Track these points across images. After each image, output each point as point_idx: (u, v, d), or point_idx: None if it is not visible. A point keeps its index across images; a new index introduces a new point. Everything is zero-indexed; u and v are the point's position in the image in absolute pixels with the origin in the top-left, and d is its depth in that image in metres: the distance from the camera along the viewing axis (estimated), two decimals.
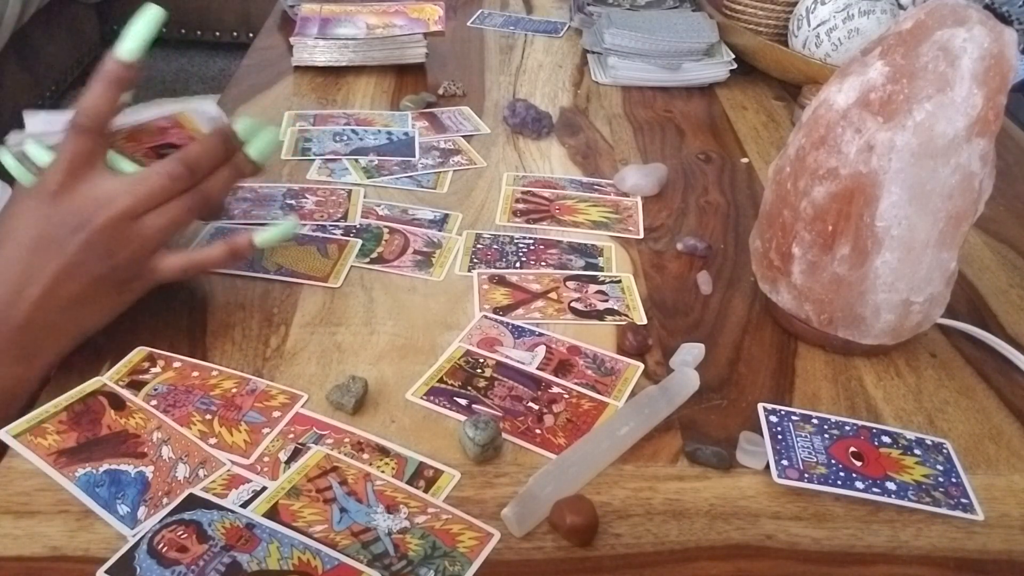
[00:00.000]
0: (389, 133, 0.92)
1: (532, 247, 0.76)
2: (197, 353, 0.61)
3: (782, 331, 0.68)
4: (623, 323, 0.67)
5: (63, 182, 0.56)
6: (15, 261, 0.56)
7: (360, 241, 0.74)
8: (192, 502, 0.50)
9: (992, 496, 0.55)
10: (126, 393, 0.57)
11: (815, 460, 0.55)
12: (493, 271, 0.72)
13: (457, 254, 0.74)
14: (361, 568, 0.47)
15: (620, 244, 0.77)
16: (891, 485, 0.54)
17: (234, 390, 0.58)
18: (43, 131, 0.60)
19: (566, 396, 0.60)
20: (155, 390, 0.58)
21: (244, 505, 0.50)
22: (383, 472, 0.53)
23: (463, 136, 0.94)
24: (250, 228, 0.74)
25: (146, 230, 0.57)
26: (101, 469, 0.52)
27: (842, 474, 0.55)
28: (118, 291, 0.59)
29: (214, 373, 0.60)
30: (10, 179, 0.59)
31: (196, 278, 0.68)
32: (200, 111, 0.65)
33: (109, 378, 0.58)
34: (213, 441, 0.54)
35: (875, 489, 0.54)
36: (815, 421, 0.59)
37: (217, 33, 2.84)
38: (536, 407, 0.59)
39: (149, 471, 0.52)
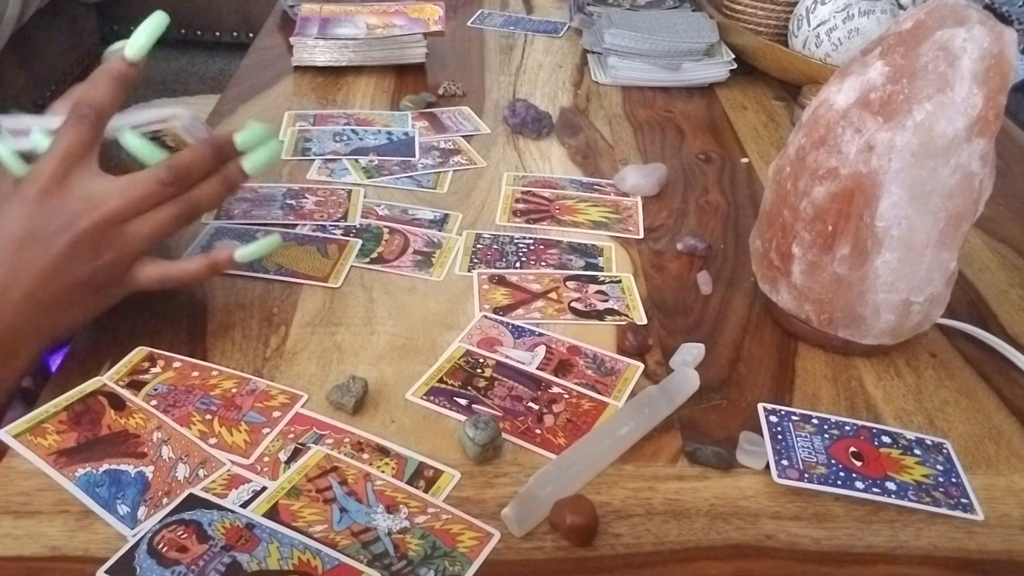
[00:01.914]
0: (389, 133, 0.92)
1: (532, 247, 0.76)
2: (197, 353, 0.61)
3: (782, 331, 0.68)
4: (623, 323, 0.67)
5: (55, 175, 0.55)
6: (0, 260, 0.54)
7: (360, 241, 0.74)
8: (192, 502, 0.50)
9: (992, 496, 0.55)
10: (126, 393, 0.57)
11: (815, 460, 0.55)
12: (493, 271, 0.72)
13: (457, 254, 0.74)
14: (361, 568, 0.47)
15: (620, 244, 0.77)
16: (891, 485, 0.54)
17: (234, 390, 0.58)
18: (14, 129, 0.59)
19: (566, 396, 0.60)
20: (155, 390, 0.58)
21: (244, 505, 0.50)
22: (383, 472, 0.53)
23: (463, 136, 0.94)
24: (249, 228, 0.74)
25: (131, 235, 0.57)
26: (101, 469, 0.52)
27: (842, 474, 0.55)
28: (95, 295, 0.58)
29: (214, 373, 0.59)
30: None
31: None
32: (187, 127, 0.63)
33: (109, 378, 0.58)
34: (213, 441, 0.54)
35: (875, 489, 0.54)
36: (815, 421, 0.59)
37: (217, 33, 2.84)
38: (536, 407, 0.59)
39: (149, 471, 0.52)
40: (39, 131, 0.58)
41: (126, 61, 0.57)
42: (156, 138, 0.62)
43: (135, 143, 0.59)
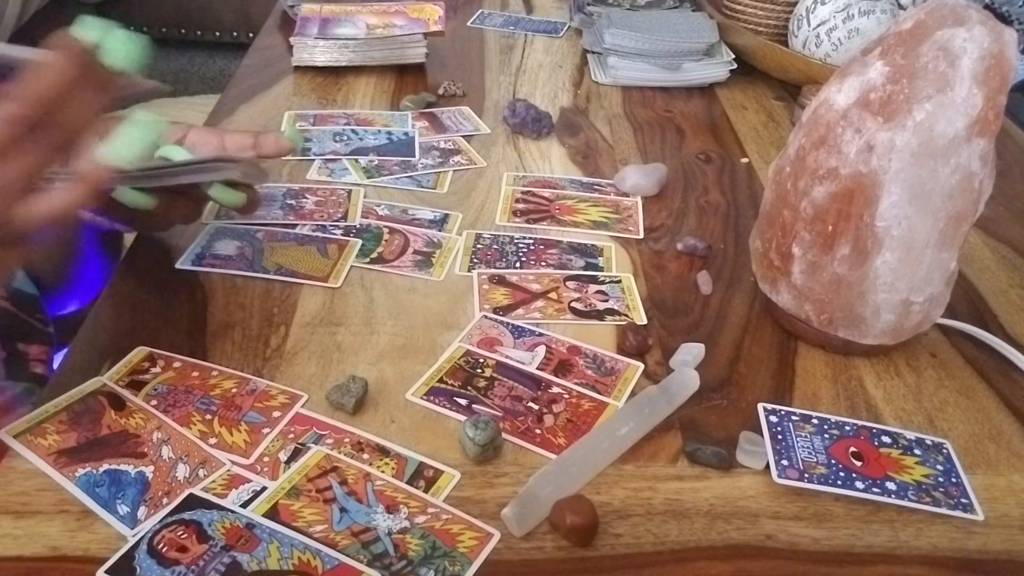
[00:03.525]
0: (389, 133, 0.92)
1: (532, 247, 0.76)
2: (197, 353, 0.61)
3: (782, 331, 0.68)
4: (623, 323, 0.67)
5: None
6: None
7: (360, 241, 0.74)
8: (192, 502, 0.50)
9: (992, 496, 0.55)
10: (126, 393, 0.57)
11: (815, 460, 0.55)
12: (493, 271, 0.72)
13: (457, 254, 0.74)
14: (361, 568, 0.47)
15: (620, 244, 0.77)
16: (891, 485, 0.54)
17: (234, 390, 0.58)
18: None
19: (566, 396, 0.60)
20: (155, 390, 0.58)
21: (244, 505, 0.50)
22: (383, 472, 0.53)
23: (463, 136, 0.94)
24: (249, 228, 0.74)
25: None
26: (101, 469, 0.52)
27: (842, 474, 0.55)
28: None
29: (214, 373, 0.59)
30: None
31: (196, 277, 0.68)
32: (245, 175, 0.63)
33: (109, 378, 0.58)
34: (213, 441, 0.54)
35: (875, 489, 0.54)
36: (815, 421, 0.59)
37: (217, 33, 2.83)
38: (536, 407, 0.59)
39: (149, 471, 0.52)
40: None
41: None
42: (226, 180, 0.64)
43: (224, 195, 0.61)
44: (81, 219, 0.53)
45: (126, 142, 0.52)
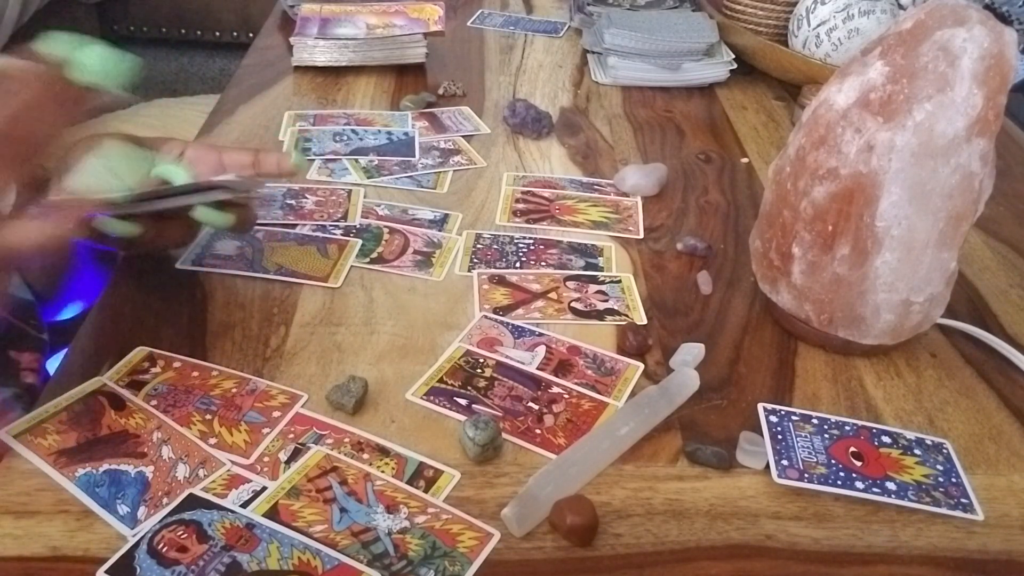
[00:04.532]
0: (389, 133, 0.92)
1: (532, 247, 0.76)
2: (197, 353, 0.61)
3: (782, 331, 0.68)
4: (623, 323, 0.67)
5: None
6: None
7: (360, 241, 0.74)
8: (192, 502, 0.50)
9: (992, 496, 0.55)
10: (126, 393, 0.57)
11: (815, 460, 0.55)
12: (493, 271, 0.72)
13: (457, 254, 0.74)
14: (361, 568, 0.47)
15: (620, 244, 0.77)
16: (891, 485, 0.54)
17: (234, 390, 0.58)
18: None
19: (566, 396, 0.60)
20: (155, 390, 0.58)
21: (244, 505, 0.50)
22: (383, 472, 0.53)
23: (463, 136, 0.94)
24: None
25: None
26: (101, 469, 0.52)
27: (842, 474, 0.55)
28: None
29: (214, 373, 0.59)
30: None
31: (196, 277, 0.68)
32: (239, 186, 0.62)
33: (109, 378, 0.58)
34: (213, 441, 0.54)
35: (875, 489, 0.54)
36: (815, 421, 0.59)
37: (217, 33, 2.83)
38: (536, 407, 0.59)
39: (149, 471, 0.52)
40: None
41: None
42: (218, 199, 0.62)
43: (210, 217, 0.59)
44: (67, 248, 0.52)
45: (93, 181, 0.52)
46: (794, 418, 0.59)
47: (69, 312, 0.91)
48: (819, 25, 1.03)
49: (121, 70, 0.50)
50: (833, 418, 0.59)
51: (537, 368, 0.62)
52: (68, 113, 0.50)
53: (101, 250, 0.85)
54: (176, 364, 0.60)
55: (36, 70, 0.48)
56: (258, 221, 0.75)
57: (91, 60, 0.49)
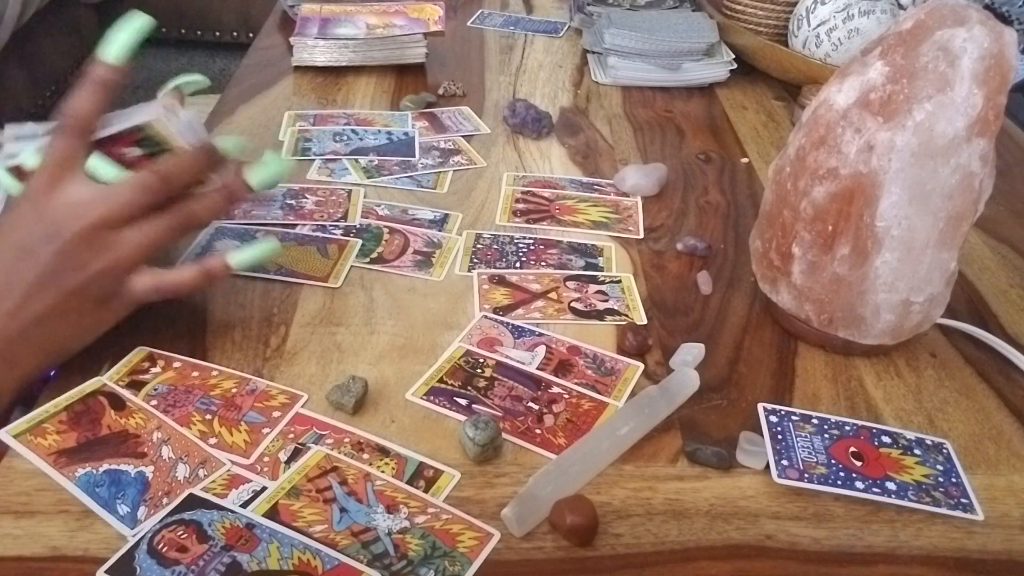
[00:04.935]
0: (389, 133, 0.92)
1: (532, 247, 0.76)
2: (197, 353, 0.61)
3: (782, 331, 0.68)
4: (623, 323, 0.67)
5: (43, 188, 0.55)
6: None
7: (360, 241, 0.74)
8: (192, 502, 0.50)
9: (992, 496, 0.55)
10: (126, 393, 0.57)
11: (815, 460, 0.55)
12: (493, 271, 0.72)
13: (457, 254, 0.74)
14: (361, 568, 0.47)
15: (620, 244, 0.77)
16: (891, 485, 0.54)
17: (234, 390, 0.58)
18: (18, 137, 0.59)
19: (566, 396, 0.60)
20: (155, 390, 0.58)
21: (244, 505, 0.50)
22: (383, 472, 0.53)
23: (463, 136, 0.94)
24: (249, 228, 0.74)
25: (121, 243, 0.55)
26: (101, 469, 0.52)
27: (842, 474, 0.55)
28: (95, 307, 0.57)
29: (214, 373, 0.59)
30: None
31: None
32: (182, 130, 0.61)
33: (109, 378, 0.58)
34: (213, 441, 0.54)
35: (875, 489, 0.54)
36: (815, 421, 0.59)
37: (217, 33, 2.84)
38: (536, 407, 0.59)
39: (149, 471, 0.52)
40: (30, 150, 0.58)
41: (106, 65, 0.56)
42: (143, 139, 0.60)
43: (96, 166, 0.57)
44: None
45: (271, 172, 0.61)
46: (794, 418, 0.59)
47: None
48: (819, 25, 1.03)
49: (283, 176, 0.62)
50: (833, 418, 0.59)
51: (537, 368, 0.62)
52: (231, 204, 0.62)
53: None
54: (176, 364, 0.60)
55: (209, 155, 0.60)
56: (259, 222, 0.75)
57: (267, 171, 0.61)
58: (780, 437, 0.57)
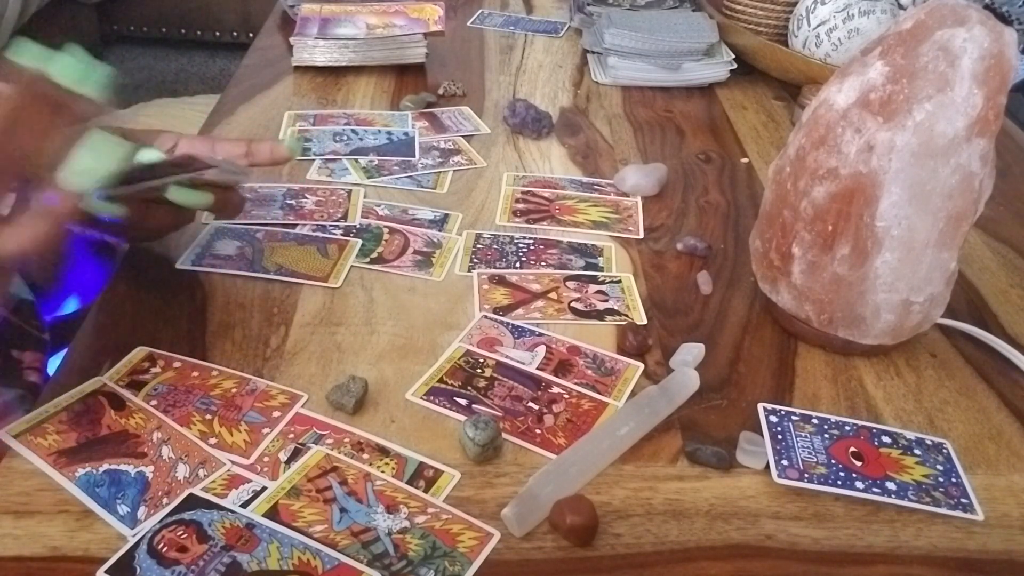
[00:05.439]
0: (389, 133, 0.92)
1: (532, 247, 0.76)
2: (197, 353, 0.61)
3: (782, 331, 0.68)
4: (623, 323, 0.67)
5: None
6: None
7: (360, 241, 0.74)
8: (192, 502, 0.50)
9: (992, 496, 0.55)
10: (126, 393, 0.57)
11: (815, 460, 0.55)
12: (493, 271, 0.72)
13: (457, 254, 0.74)
14: (361, 568, 0.47)
15: (620, 244, 0.77)
16: (891, 485, 0.54)
17: (234, 390, 0.58)
18: None
19: (566, 396, 0.60)
20: (155, 390, 0.58)
21: (244, 505, 0.50)
22: (383, 472, 0.53)
23: (463, 136, 0.94)
24: (249, 228, 0.74)
25: None
26: (101, 469, 0.52)
27: (842, 474, 0.55)
28: None
29: (214, 373, 0.59)
30: None
31: (196, 277, 0.68)
32: (221, 174, 0.60)
33: (109, 378, 0.58)
34: (213, 441, 0.54)
35: (875, 489, 0.54)
36: (815, 421, 0.59)
37: (217, 33, 2.84)
38: (536, 407, 0.59)
39: (149, 471, 0.52)
40: None
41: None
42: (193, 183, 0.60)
43: (182, 196, 0.57)
44: (64, 240, 0.52)
45: (81, 167, 0.51)
46: (794, 418, 0.59)
47: (68, 307, 0.91)
48: (819, 25, 1.03)
49: (94, 77, 0.50)
50: (833, 418, 0.59)
51: (537, 368, 0.62)
52: (53, 119, 0.49)
53: (99, 243, 0.85)
54: (176, 364, 0.60)
55: (16, 80, 0.48)
56: (258, 221, 0.75)
57: (63, 69, 0.49)
58: (780, 437, 0.57)
